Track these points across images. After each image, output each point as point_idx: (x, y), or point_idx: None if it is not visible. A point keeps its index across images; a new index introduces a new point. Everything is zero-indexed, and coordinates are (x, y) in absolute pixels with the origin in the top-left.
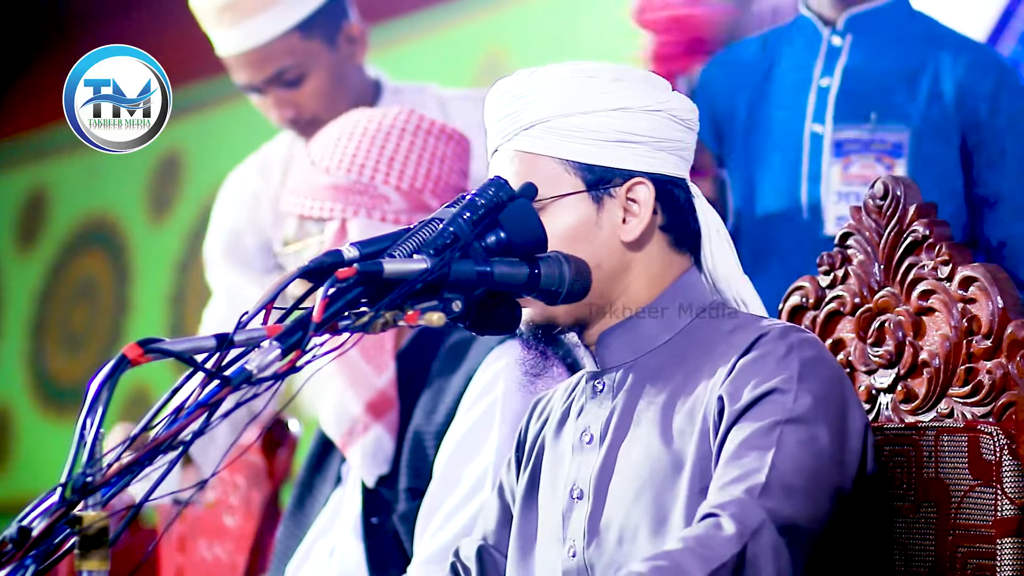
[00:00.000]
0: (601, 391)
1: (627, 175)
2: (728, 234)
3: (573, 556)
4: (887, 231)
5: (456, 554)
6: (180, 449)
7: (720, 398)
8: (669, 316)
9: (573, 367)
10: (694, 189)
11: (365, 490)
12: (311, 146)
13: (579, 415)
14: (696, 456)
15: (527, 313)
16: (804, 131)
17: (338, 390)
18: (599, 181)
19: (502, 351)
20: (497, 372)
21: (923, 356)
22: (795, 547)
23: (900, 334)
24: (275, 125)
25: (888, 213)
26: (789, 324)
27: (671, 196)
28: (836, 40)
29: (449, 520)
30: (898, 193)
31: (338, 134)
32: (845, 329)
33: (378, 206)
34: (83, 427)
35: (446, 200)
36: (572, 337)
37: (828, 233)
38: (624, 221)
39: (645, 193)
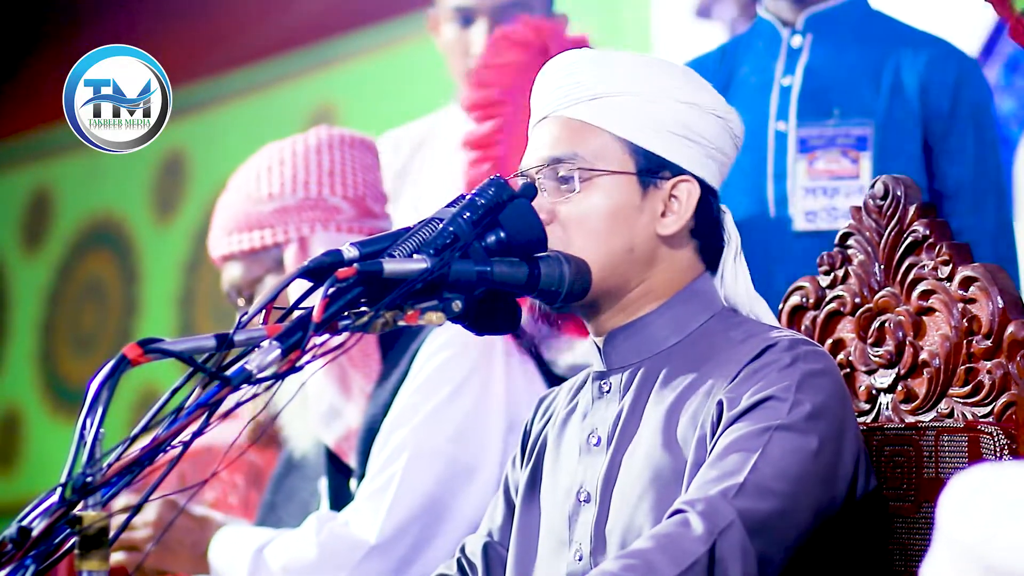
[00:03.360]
0: (608, 392)
1: (676, 170)
2: (744, 261)
3: (579, 559)
4: (887, 231)
5: (462, 550)
6: (180, 449)
7: (720, 403)
8: (679, 319)
9: (551, 377)
10: (724, 207)
11: (332, 490)
12: (237, 185)
13: (585, 415)
14: (693, 461)
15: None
16: (768, 130)
17: (330, 398)
18: (650, 168)
19: (446, 326)
20: (444, 341)
21: (923, 356)
22: (765, 551)
23: (900, 334)
24: (456, 68)
25: (888, 213)
26: (800, 336)
27: (707, 204)
28: (796, 40)
29: (374, 476)
30: (898, 193)
31: (267, 163)
32: (845, 329)
33: (332, 218)
34: (83, 427)
35: (383, 207)
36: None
37: (797, 229)
38: (663, 215)
39: (690, 192)
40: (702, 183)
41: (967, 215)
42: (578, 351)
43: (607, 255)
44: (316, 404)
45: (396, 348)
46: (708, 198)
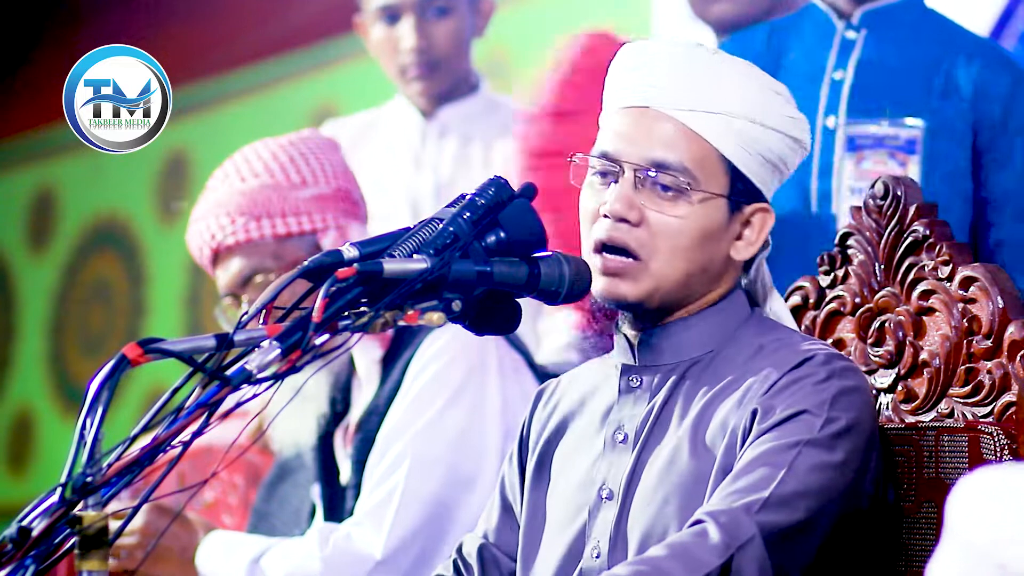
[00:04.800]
0: (637, 388)
1: (757, 197)
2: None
3: (597, 557)
4: (887, 231)
5: (459, 550)
6: (180, 449)
7: (754, 411)
8: (718, 325)
9: (541, 374)
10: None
11: (326, 498)
12: (250, 173)
13: (609, 410)
14: (720, 466)
15: (622, 290)
16: (816, 124)
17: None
18: (739, 192)
19: (440, 332)
20: (436, 351)
21: (923, 356)
22: (783, 566)
23: (900, 334)
24: (389, 68)
25: (888, 213)
26: (835, 351)
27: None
28: (850, 34)
29: (373, 489)
30: (898, 193)
31: (288, 154)
32: (845, 329)
33: (359, 213)
34: (83, 427)
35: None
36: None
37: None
38: (738, 238)
39: (765, 221)
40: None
41: (1011, 224)
42: (544, 351)
43: (686, 272)
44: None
45: (392, 358)
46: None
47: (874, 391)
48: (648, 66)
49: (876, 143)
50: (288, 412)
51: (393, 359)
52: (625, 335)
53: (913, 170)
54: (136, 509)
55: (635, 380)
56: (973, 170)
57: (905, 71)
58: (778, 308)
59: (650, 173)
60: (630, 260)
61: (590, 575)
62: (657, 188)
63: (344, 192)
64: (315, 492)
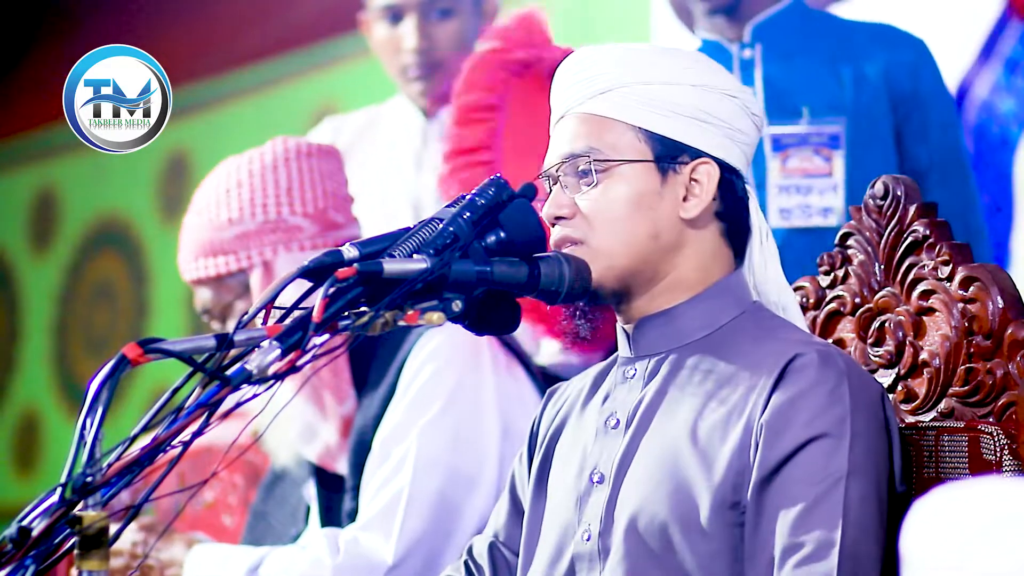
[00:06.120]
0: (632, 377)
1: (694, 154)
2: (774, 243)
3: (587, 540)
4: (887, 231)
5: (469, 551)
6: (180, 449)
7: (769, 425)
8: (710, 312)
9: (546, 378)
10: (750, 190)
11: (322, 500)
12: (199, 208)
13: (605, 401)
14: (729, 468)
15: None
16: None
17: (306, 418)
18: (667, 154)
19: (433, 333)
20: (430, 353)
21: (923, 356)
22: None
23: (900, 334)
24: (391, 67)
25: (888, 213)
26: (829, 347)
27: (731, 185)
28: (747, 53)
29: (377, 493)
30: (898, 193)
31: (225, 186)
32: (845, 329)
33: (293, 238)
34: (83, 427)
35: (348, 214)
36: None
37: (771, 225)
38: (685, 199)
39: (709, 174)
40: (724, 164)
41: (934, 192)
42: (544, 352)
43: (632, 243)
44: (293, 423)
45: (377, 362)
46: (732, 179)
47: None
48: (558, 81)
49: (800, 141)
50: (281, 418)
51: (378, 365)
52: (624, 329)
53: (838, 164)
54: (137, 508)
55: (630, 370)
56: (896, 146)
57: (811, 72)
58: (786, 298)
59: (562, 166)
60: (573, 245)
61: (581, 558)
62: (577, 178)
63: (272, 223)
64: (309, 491)
